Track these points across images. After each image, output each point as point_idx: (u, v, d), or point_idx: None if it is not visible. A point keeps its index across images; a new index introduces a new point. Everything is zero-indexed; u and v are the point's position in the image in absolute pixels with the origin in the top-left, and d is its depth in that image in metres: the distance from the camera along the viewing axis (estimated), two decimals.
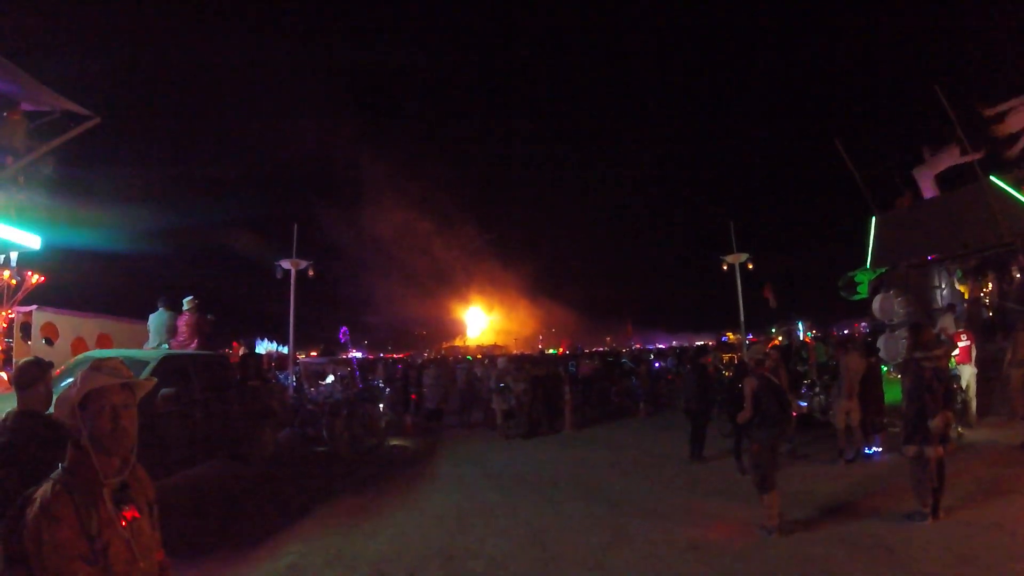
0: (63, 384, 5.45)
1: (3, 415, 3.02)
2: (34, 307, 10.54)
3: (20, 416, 2.99)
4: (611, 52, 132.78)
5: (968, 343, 9.74)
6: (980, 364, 9.91)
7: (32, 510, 1.63)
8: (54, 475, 1.71)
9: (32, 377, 3.07)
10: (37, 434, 2.88)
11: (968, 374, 9.65)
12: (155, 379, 2.22)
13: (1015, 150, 13.73)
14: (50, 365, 3.27)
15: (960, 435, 8.61)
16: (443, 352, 48.85)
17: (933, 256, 14.67)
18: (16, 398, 3.08)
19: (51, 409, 3.12)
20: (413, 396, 14.73)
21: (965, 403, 9.45)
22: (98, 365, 1.82)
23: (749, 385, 5.67)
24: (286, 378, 14.90)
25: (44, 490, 1.66)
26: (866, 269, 17.07)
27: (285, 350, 19.48)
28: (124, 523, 1.76)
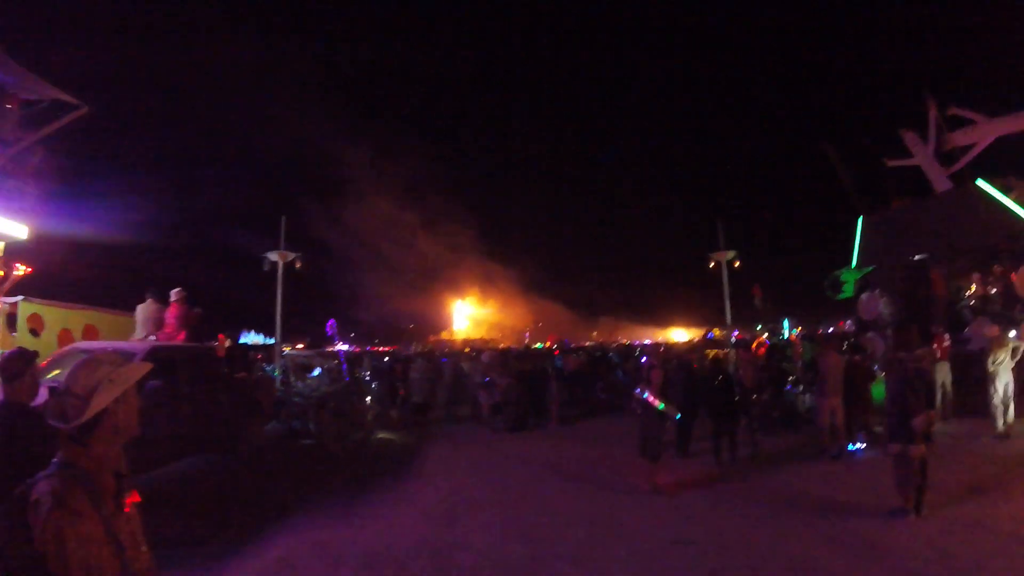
0: (50, 376, 5.41)
1: None
2: (20, 298, 10.33)
3: (5, 408, 2.97)
4: (603, 52, 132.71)
5: (948, 343, 10.05)
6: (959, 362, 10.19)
7: (44, 509, 1.57)
8: (53, 471, 1.67)
9: (18, 368, 3.04)
10: (22, 426, 2.85)
11: (944, 372, 9.93)
12: (150, 364, 2.19)
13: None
14: (35, 356, 3.24)
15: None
16: (430, 346, 48.69)
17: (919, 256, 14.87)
18: (1, 390, 3.05)
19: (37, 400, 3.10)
20: (401, 391, 14.69)
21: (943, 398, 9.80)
22: (121, 369, 1.83)
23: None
24: (272, 371, 14.82)
25: (54, 487, 1.61)
26: (851, 269, 17.29)
27: (272, 342, 19.34)
28: (127, 509, 1.79)
